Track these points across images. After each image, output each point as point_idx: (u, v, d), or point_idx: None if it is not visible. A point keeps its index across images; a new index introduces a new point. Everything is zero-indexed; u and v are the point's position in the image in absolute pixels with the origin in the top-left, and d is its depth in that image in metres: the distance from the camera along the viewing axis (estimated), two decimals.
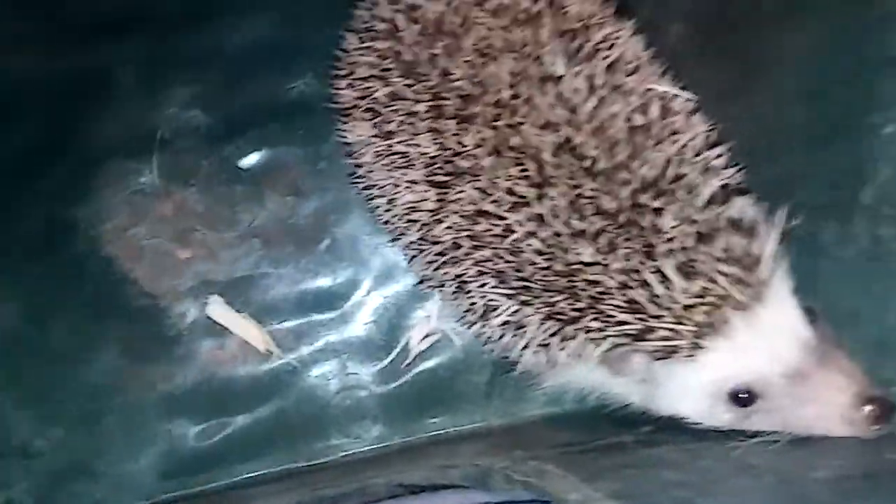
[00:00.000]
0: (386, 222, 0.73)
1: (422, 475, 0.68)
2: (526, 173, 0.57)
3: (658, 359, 0.54)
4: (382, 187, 0.71)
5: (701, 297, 0.51)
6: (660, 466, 0.52)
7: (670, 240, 0.53)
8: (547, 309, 0.57)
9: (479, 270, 0.62)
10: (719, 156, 0.58)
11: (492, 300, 0.62)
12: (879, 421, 0.50)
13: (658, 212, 0.54)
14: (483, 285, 0.62)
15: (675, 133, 0.57)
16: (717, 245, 0.52)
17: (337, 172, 0.84)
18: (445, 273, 0.66)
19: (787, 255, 0.55)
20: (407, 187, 0.67)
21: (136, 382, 0.81)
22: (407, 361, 0.85)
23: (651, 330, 0.52)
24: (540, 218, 0.56)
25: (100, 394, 0.81)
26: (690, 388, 0.56)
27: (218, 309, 0.82)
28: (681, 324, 0.51)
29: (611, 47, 0.62)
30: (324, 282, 0.85)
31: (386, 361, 0.85)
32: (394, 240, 0.74)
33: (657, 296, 0.52)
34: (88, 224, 0.82)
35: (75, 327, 0.81)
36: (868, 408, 0.50)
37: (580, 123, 0.57)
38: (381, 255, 0.84)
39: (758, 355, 0.53)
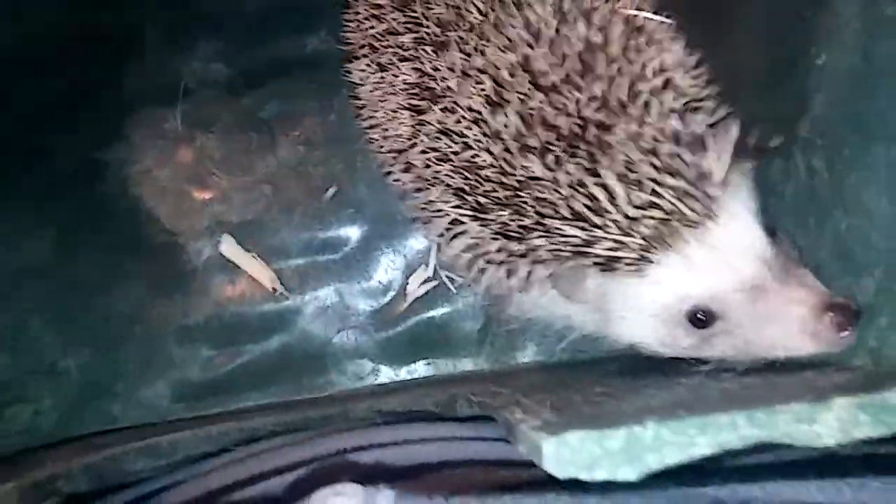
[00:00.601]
0: (381, 161, 0.77)
1: (398, 402, 0.72)
2: (484, 91, 0.60)
3: (604, 271, 0.54)
4: (377, 123, 0.75)
5: (645, 209, 0.51)
6: (589, 386, 0.54)
7: (616, 153, 0.53)
8: (498, 226, 0.59)
9: (444, 190, 0.65)
10: (694, 77, 0.58)
11: (455, 220, 0.65)
12: (843, 327, 0.48)
13: (605, 127, 0.55)
14: (449, 204, 0.65)
15: (638, 52, 0.58)
16: (665, 159, 0.52)
17: (346, 125, 0.88)
18: (422, 200, 0.70)
19: (751, 172, 0.54)
20: (392, 118, 0.71)
21: (155, 313, 0.88)
22: (404, 305, 0.89)
23: (595, 241, 0.52)
24: (495, 134, 0.59)
25: (122, 321, 0.88)
26: (647, 310, 0.56)
27: (230, 247, 0.88)
28: (627, 235, 0.52)
29: None
30: (329, 227, 0.90)
31: (384, 303, 0.89)
32: (386, 175, 0.78)
33: (601, 207, 0.52)
34: (118, 166, 0.89)
35: (102, 259, 0.88)
36: (830, 315, 0.48)
37: (539, 44, 0.59)
38: (383, 204, 0.89)
39: (713, 271, 0.52)
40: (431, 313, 0.89)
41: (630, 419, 0.37)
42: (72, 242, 0.88)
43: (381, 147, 0.74)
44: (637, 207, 0.52)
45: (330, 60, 0.86)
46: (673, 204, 0.51)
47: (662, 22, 0.60)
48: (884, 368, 0.45)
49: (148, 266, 0.89)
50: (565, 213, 0.54)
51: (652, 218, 0.52)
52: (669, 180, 0.51)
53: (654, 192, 0.51)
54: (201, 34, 0.91)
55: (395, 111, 0.69)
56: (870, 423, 0.35)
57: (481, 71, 0.61)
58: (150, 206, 0.89)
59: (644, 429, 0.35)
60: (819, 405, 0.36)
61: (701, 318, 0.54)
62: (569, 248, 0.54)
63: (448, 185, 0.63)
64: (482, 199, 0.60)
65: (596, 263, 0.54)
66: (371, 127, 0.76)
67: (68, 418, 0.86)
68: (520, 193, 0.57)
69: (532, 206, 0.56)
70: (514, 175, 0.57)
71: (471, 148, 0.60)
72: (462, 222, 0.63)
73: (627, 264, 0.53)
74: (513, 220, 0.58)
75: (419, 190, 0.68)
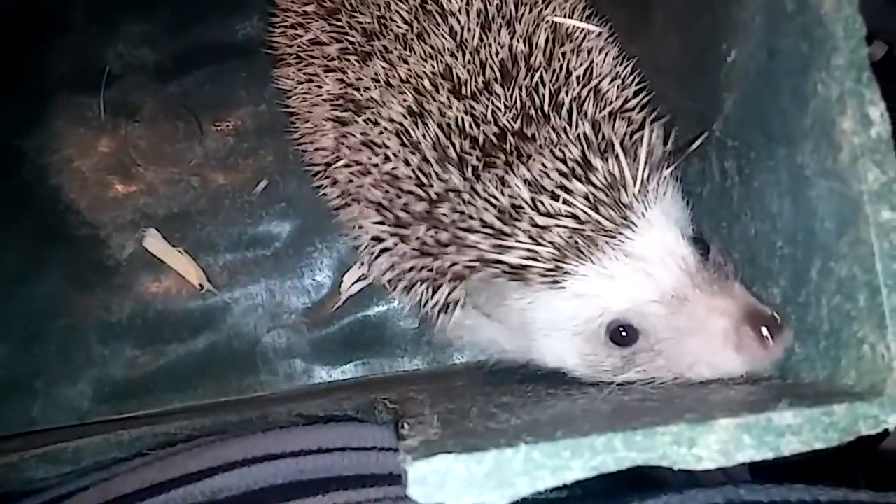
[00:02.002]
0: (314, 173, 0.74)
1: (319, 406, 0.69)
2: (406, 102, 0.58)
3: (515, 280, 0.51)
4: (304, 133, 0.73)
5: (555, 217, 0.49)
6: (499, 394, 0.52)
7: (533, 163, 0.51)
8: (417, 242, 0.57)
9: (365, 206, 0.62)
10: (622, 86, 0.57)
11: (376, 237, 0.62)
12: (766, 340, 0.44)
13: (525, 136, 0.53)
14: (369, 220, 0.62)
15: (564, 60, 0.56)
16: (575, 165, 0.50)
17: (277, 116, 0.85)
18: (346, 216, 0.67)
19: (674, 179, 0.52)
20: (316, 129, 0.68)
21: (76, 308, 0.85)
22: (338, 304, 0.86)
23: (505, 250, 0.50)
24: (415, 144, 0.57)
25: (42, 316, 0.84)
26: (567, 326, 0.52)
27: (155, 242, 0.85)
28: (538, 244, 0.49)
29: None
30: (259, 222, 0.87)
31: (317, 301, 0.87)
32: (315, 189, 0.75)
33: (509, 215, 0.50)
34: (36, 154, 0.85)
35: (22, 251, 0.84)
36: (751, 326, 0.45)
37: (462, 52, 0.57)
38: (316, 198, 0.85)
39: (631, 282, 0.48)
40: (367, 312, 0.86)
41: (505, 439, 0.35)
42: None
43: (310, 159, 0.72)
44: (546, 215, 0.49)
45: (262, 47, 0.82)
46: (586, 212, 0.49)
47: (591, 30, 0.58)
48: (790, 380, 0.43)
49: (68, 259, 0.85)
50: (477, 224, 0.52)
51: (564, 227, 0.49)
52: (579, 187, 0.49)
53: (564, 201, 0.49)
54: (127, 16, 0.87)
55: (319, 123, 0.67)
56: (753, 445, 0.33)
57: (404, 81, 0.59)
58: (71, 196, 0.86)
59: (515, 451, 0.33)
60: (700, 426, 0.33)
61: (622, 334, 0.50)
62: (480, 259, 0.52)
63: (370, 201, 0.61)
64: (401, 214, 0.58)
65: (506, 272, 0.51)
66: (300, 136, 0.74)
67: None
68: (437, 206, 0.55)
69: (449, 220, 0.54)
70: (432, 187, 0.55)
71: (390, 160, 0.58)
72: (382, 239, 0.61)
73: (541, 275, 0.50)
74: (430, 235, 0.55)
75: (345, 206, 0.66)
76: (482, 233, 0.52)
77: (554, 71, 0.55)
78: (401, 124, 0.58)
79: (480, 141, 0.54)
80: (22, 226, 0.85)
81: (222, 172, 0.87)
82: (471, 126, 0.54)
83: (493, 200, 0.52)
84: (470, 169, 0.53)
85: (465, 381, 0.71)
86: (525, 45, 0.56)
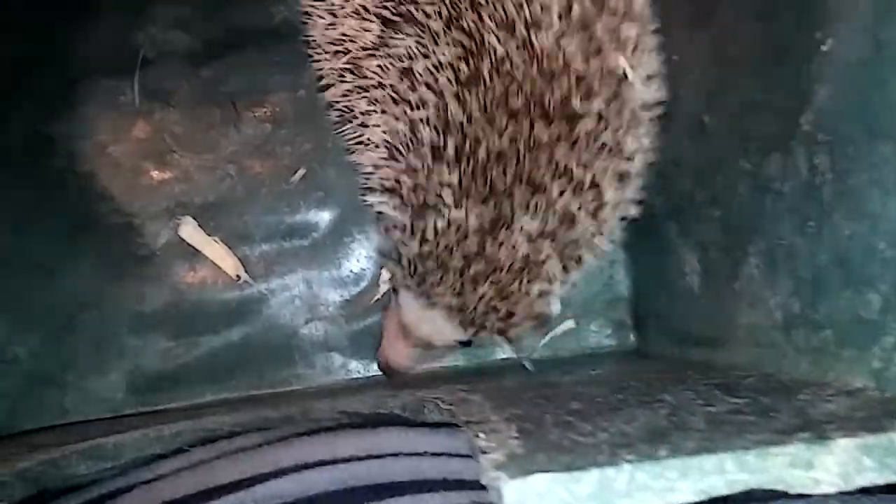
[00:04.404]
0: (316, 47, 0.72)
1: (364, 403, 0.67)
2: (462, 61, 0.57)
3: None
4: (330, 9, 0.69)
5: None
6: (564, 398, 0.50)
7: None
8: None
9: (383, 120, 0.64)
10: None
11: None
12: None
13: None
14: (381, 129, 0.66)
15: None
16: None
17: (315, 102, 0.82)
18: (352, 104, 0.68)
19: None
20: (354, 12, 0.65)
21: (109, 298, 0.83)
22: (377, 296, 0.84)
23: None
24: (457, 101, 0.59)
25: (74, 306, 0.82)
26: None
27: (190, 230, 0.83)
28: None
29: None
30: (297, 211, 0.84)
31: (355, 293, 0.84)
32: (315, 62, 0.73)
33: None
34: (68, 140, 0.83)
35: (53, 240, 0.82)
36: None
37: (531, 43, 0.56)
38: (355, 187, 0.82)
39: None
40: None
41: (603, 455, 0.32)
42: (20, 220, 0.82)
43: (326, 35, 0.70)
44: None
45: (299, 31, 0.79)
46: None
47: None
48: (889, 393, 0.40)
49: (101, 248, 0.83)
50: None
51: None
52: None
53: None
54: None
55: (361, 8, 0.64)
56: (875, 467, 0.31)
57: (468, 35, 0.59)
58: (104, 183, 0.83)
59: (617, 471, 0.31)
60: (817, 446, 0.31)
61: None
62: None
63: (386, 114, 0.64)
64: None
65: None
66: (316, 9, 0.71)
67: (16, 410, 0.81)
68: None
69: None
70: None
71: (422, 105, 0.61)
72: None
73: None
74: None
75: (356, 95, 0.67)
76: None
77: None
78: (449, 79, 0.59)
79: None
80: (53, 215, 0.83)
81: (259, 160, 0.84)
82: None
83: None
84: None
85: (514, 380, 0.69)
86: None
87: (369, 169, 0.71)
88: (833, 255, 0.45)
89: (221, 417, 0.69)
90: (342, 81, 0.69)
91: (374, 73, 0.63)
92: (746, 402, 0.41)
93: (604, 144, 0.61)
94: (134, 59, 0.83)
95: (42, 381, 0.81)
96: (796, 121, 0.46)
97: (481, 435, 0.39)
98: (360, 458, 0.61)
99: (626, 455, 0.32)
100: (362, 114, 0.68)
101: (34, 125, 0.82)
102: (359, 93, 0.66)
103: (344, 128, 0.72)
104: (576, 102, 0.60)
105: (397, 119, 0.63)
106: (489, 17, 0.58)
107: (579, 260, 0.68)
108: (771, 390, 0.44)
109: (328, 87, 0.73)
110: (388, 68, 0.62)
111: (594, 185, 0.63)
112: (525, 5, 0.58)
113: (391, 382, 0.77)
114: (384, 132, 0.65)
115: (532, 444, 0.36)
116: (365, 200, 0.73)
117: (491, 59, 0.59)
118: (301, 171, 0.84)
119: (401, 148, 0.65)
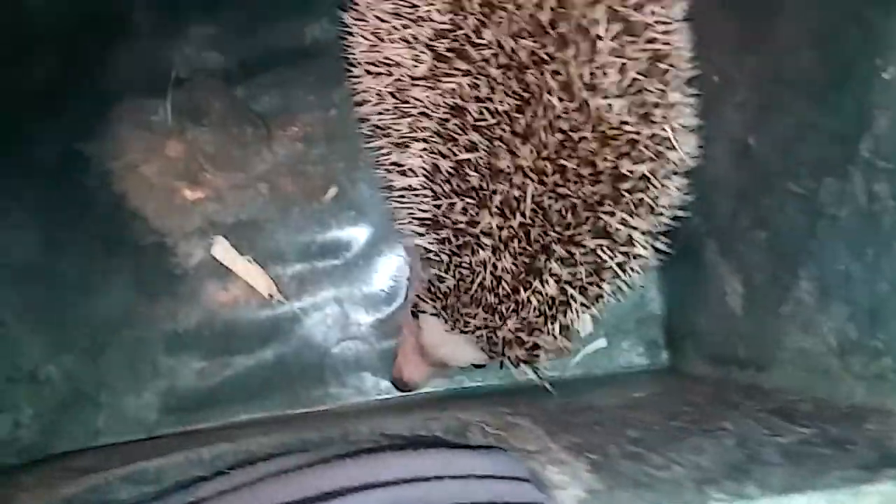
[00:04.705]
0: (356, 65, 0.71)
1: (405, 425, 0.67)
2: (518, 112, 0.57)
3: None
4: (376, 31, 0.68)
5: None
6: (617, 424, 0.49)
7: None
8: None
9: (426, 150, 0.64)
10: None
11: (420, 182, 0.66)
12: None
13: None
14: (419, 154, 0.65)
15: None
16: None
17: (347, 121, 0.82)
18: (391, 125, 0.67)
19: None
20: (403, 39, 0.65)
21: (143, 318, 0.83)
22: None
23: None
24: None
25: (108, 326, 0.82)
26: None
27: (223, 250, 0.83)
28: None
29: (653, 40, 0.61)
30: (329, 230, 0.84)
31: (388, 313, 0.84)
32: (351, 78, 0.72)
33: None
34: (101, 159, 0.83)
35: (85, 259, 0.82)
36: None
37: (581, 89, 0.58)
38: (387, 206, 0.83)
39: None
40: None
41: (689, 493, 0.32)
42: (53, 240, 0.82)
43: (370, 54, 0.69)
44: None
45: (330, 50, 0.80)
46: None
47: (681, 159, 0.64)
48: None
49: (134, 268, 0.83)
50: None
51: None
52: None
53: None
54: (194, 19, 0.84)
55: (412, 38, 0.64)
56: None
57: (524, 85, 0.60)
58: (137, 203, 0.83)
59: None
60: None
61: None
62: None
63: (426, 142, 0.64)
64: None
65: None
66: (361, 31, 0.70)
67: (50, 430, 0.80)
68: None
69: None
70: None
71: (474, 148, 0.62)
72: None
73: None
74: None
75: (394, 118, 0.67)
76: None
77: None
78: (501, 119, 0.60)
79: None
80: (86, 234, 0.82)
81: (291, 179, 0.84)
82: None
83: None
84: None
85: (554, 403, 0.69)
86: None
87: (400, 193, 0.70)
88: (893, 283, 0.45)
89: (261, 439, 0.69)
90: (381, 102, 0.69)
91: (419, 100, 0.63)
92: (814, 433, 0.41)
93: (643, 201, 0.63)
94: (167, 78, 0.83)
95: (76, 402, 0.81)
96: (854, 146, 0.46)
97: (551, 468, 0.38)
98: (406, 481, 0.61)
99: (715, 493, 0.31)
100: (401, 137, 0.68)
101: (68, 144, 0.82)
102: (401, 116, 0.65)
103: (377, 143, 0.71)
104: (626, 164, 0.61)
105: (444, 156, 0.63)
106: (551, 75, 0.59)
107: (600, 298, 0.69)
108: (834, 419, 0.44)
109: (364, 103, 0.72)
110: (437, 103, 0.62)
111: (629, 242, 0.64)
112: (587, 66, 0.59)
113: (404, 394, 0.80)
114: (424, 163, 0.65)
115: (609, 479, 0.36)
116: (398, 225, 0.73)
117: (548, 116, 0.59)
118: (333, 190, 0.84)
119: (442, 185, 0.65)
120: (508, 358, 0.70)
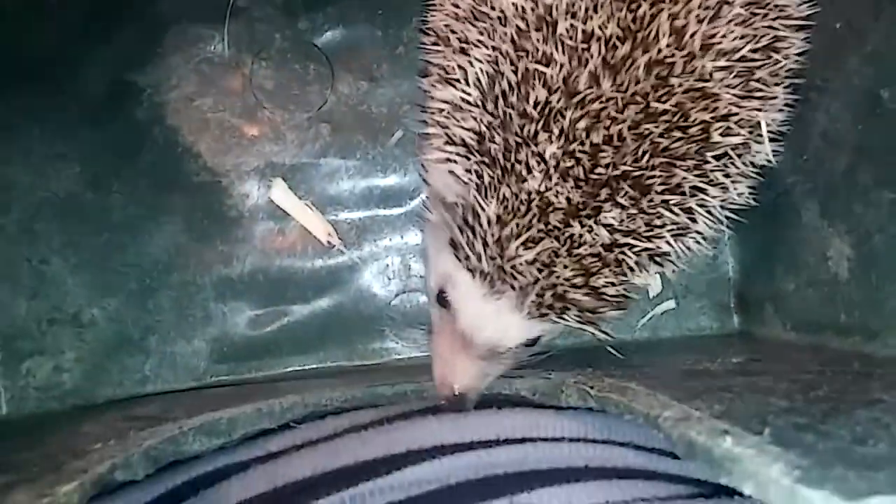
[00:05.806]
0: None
1: None
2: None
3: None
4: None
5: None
6: (754, 393, 0.46)
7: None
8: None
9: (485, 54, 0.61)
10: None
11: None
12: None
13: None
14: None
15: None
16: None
17: (415, 61, 0.77)
18: (455, 33, 0.63)
19: None
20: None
21: (194, 261, 0.79)
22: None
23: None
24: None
25: (157, 268, 0.78)
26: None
27: (281, 193, 0.78)
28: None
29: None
30: (392, 176, 0.80)
31: None
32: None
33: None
34: (153, 91, 0.77)
35: (136, 197, 0.78)
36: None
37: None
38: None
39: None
40: None
41: None
42: (102, 175, 0.77)
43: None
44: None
45: None
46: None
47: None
48: None
49: (186, 208, 0.78)
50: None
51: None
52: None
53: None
54: None
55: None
56: None
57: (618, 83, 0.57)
58: (190, 139, 0.78)
59: None
60: None
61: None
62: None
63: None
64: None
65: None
66: None
67: (93, 376, 0.77)
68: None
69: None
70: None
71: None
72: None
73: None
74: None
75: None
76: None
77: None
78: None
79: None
80: (136, 170, 0.78)
81: (354, 120, 0.79)
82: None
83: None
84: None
85: (640, 365, 0.65)
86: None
87: (441, 107, 0.64)
88: None
89: (331, 392, 0.66)
90: (457, 5, 0.64)
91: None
92: None
93: (716, 181, 0.59)
94: (225, 5, 0.77)
95: (121, 347, 0.77)
96: None
97: (728, 438, 0.35)
98: (496, 443, 0.58)
99: None
100: (464, 43, 0.63)
101: (118, 73, 0.77)
102: (474, 18, 0.62)
103: (435, 50, 0.66)
104: (716, 131, 0.57)
105: (513, 65, 0.59)
106: (668, 17, 0.56)
107: (660, 256, 0.63)
108: None
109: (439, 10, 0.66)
110: (524, 8, 0.58)
111: (690, 212, 0.60)
112: (707, 23, 0.56)
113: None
114: (482, 72, 0.60)
115: (811, 455, 0.33)
116: (426, 155, 0.66)
117: (650, 55, 0.56)
118: (398, 133, 0.80)
119: (501, 98, 0.59)
120: (564, 318, 0.61)
